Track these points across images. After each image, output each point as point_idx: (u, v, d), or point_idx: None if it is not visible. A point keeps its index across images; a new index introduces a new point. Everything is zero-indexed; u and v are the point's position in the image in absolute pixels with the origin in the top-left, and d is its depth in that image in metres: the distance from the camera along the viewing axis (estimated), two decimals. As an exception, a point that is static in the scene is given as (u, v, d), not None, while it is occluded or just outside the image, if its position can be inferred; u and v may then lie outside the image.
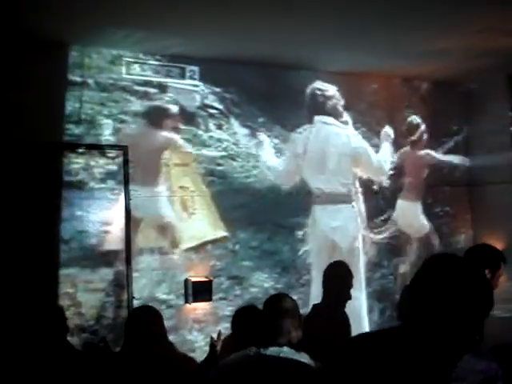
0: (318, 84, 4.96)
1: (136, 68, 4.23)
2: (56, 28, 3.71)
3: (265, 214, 4.59)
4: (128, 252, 4.14)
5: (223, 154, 4.52)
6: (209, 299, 4.31)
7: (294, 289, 4.62)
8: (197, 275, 4.32)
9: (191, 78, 4.43)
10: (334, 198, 4.97)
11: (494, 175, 5.40)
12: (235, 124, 4.58)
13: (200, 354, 4.14)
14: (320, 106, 4.98)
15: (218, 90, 4.51)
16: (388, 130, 5.26)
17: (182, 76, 4.40)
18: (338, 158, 5.00)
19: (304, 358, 2.81)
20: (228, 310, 4.36)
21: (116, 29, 3.77)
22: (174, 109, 4.35)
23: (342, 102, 5.02)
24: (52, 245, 3.92)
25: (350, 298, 4.15)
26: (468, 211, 5.58)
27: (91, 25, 3.68)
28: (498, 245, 5.36)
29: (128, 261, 4.13)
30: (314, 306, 4.38)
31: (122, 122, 4.15)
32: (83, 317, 3.99)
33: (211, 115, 4.49)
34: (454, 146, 5.53)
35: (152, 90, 4.29)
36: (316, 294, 4.57)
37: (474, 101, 5.57)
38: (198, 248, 4.34)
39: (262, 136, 4.69)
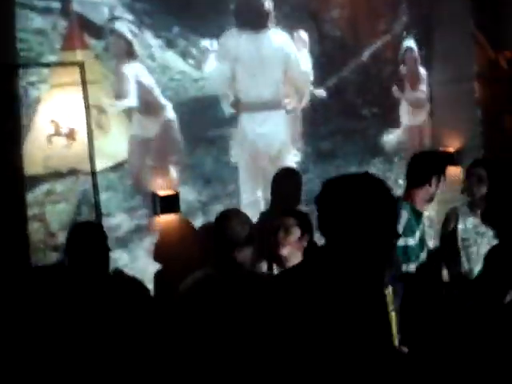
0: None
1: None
2: None
3: (184, 128, 4.53)
4: (93, 168, 4.11)
5: (137, 68, 4.38)
6: (177, 211, 4.36)
7: (218, 200, 4.67)
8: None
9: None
10: (263, 105, 4.86)
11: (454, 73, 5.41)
12: (148, 36, 4.41)
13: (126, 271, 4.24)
14: (248, 10, 4.72)
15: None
16: (302, 35, 5.02)
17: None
18: (270, 63, 4.83)
19: None
20: (155, 224, 4.41)
21: None
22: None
23: (271, 5, 4.79)
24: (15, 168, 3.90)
25: (299, 203, 4.21)
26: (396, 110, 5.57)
27: None
28: (456, 144, 5.49)
29: (94, 176, 4.11)
30: (262, 213, 4.47)
31: (22, 40, 3.97)
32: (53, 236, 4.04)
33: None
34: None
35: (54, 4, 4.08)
36: (246, 203, 4.66)
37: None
38: (116, 167, 4.31)
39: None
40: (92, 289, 3.01)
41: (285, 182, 4.37)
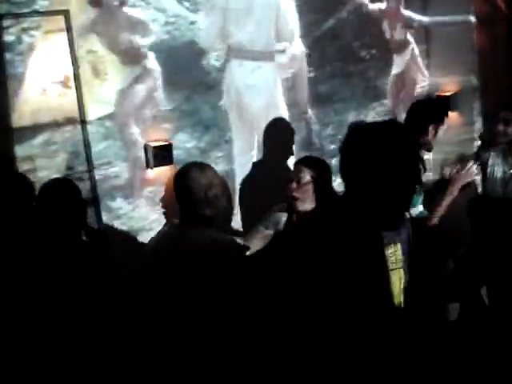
0: None
1: None
2: None
3: (181, 74, 4.44)
4: (82, 119, 4.02)
5: (131, 13, 4.27)
6: (170, 163, 4.26)
7: (217, 146, 4.62)
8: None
9: None
10: (254, 54, 4.72)
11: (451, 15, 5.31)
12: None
13: (126, 220, 4.24)
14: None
15: None
16: None
17: None
18: (261, 11, 4.67)
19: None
20: (149, 175, 4.36)
21: None
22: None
23: None
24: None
25: (292, 153, 4.20)
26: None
27: None
28: (452, 88, 5.44)
29: (84, 127, 4.03)
30: (254, 163, 4.45)
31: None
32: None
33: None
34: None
35: None
36: (237, 152, 4.62)
37: None
38: (114, 115, 4.23)
39: None
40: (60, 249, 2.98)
41: (276, 132, 4.34)
